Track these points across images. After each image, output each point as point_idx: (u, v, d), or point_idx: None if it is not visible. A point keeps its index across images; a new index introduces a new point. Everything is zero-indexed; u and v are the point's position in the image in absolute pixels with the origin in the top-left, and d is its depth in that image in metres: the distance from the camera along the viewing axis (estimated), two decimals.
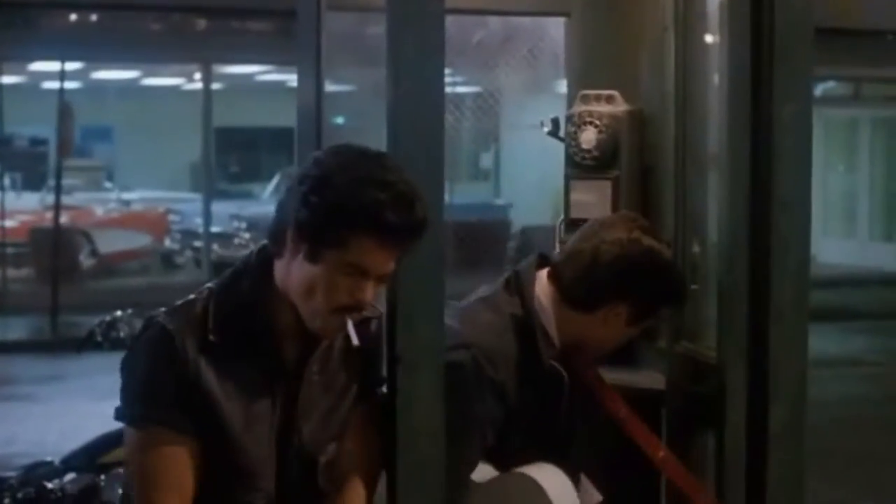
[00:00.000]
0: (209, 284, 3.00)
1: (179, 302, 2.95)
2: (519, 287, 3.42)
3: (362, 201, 2.75)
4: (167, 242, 21.78)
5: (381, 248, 2.79)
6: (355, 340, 2.93)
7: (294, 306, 2.88)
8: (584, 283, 3.37)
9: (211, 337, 2.86)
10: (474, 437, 3.24)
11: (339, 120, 3.99)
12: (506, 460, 3.37)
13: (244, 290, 2.92)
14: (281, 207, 2.88)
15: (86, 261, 19.82)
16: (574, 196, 4.12)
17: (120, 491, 3.08)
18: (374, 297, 2.89)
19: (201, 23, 17.78)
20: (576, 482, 3.46)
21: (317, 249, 2.80)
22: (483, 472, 3.36)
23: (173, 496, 2.83)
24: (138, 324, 3.17)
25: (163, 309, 2.93)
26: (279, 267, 2.89)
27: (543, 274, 3.44)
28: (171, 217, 22.03)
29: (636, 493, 3.77)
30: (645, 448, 3.44)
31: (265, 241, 2.95)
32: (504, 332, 3.35)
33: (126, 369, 2.91)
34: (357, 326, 2.97)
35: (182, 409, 2.83)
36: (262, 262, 2.93)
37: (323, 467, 2.99)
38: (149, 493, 2.84)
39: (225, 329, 2.88)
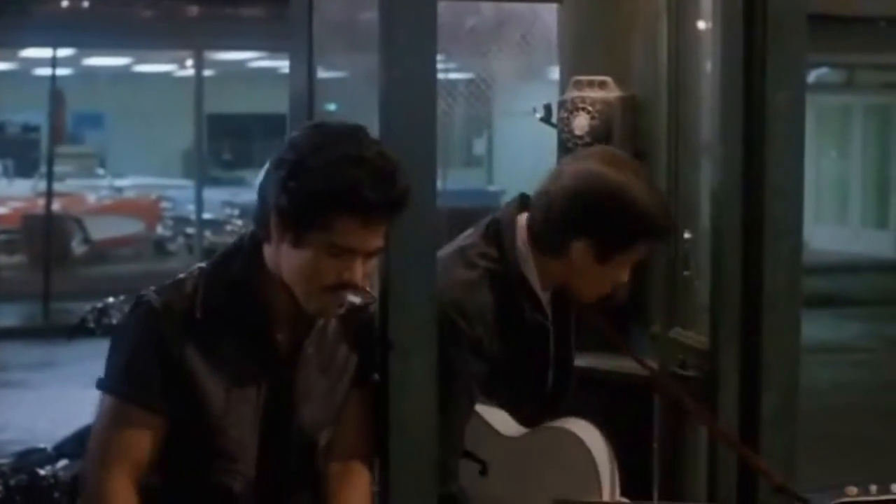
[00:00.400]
0: (201, 264, 3.01)
1: (171, 280, 2.96)
2: (497, 236, 3.32)
3: (340, 183, 2.74)
4: (159, 229, 21.78)
5: (365, 226, 2.78)
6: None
7: (287, 288, 2.87)
8: (546, 224, 3.27)
9: (197, 314, 2.87)
10: (461, 399, 3.20)
11: (332, 107, 3.98)
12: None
13: (235, 271, 2.93)
14: (262, 192, 2.87)
15: (78, 247, 19.83)
16: None
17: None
18: (367, 273, 2.87)
19: (193, 9, 17.74)
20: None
21: (300, 234, 2.79)
22: (501, 419, 3.36)
23: (123, 473, 2.83)
24: None
25: (153, 287, 2.95)
26: (269, 251, 2.89)
27: (524, 219, 3.34)
28: (164, 204, 22.03)
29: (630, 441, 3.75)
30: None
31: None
32: (478, 287, 3.25)
33: (113, 343, 2.94)
34: (354, 313, 2.98)
35: (161, 387, 2.84)
36: (254, 245, 2.93)
37: (322, 449, 2.98)
38: (103, 458, 2.85)
39: (213, 308, 2.88)
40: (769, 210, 3.23)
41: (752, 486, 3.27)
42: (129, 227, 20.77)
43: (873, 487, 3.00)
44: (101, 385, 2.91)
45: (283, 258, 2.85)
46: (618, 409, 3.43)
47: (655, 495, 3.88)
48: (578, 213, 3.22)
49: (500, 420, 3.37)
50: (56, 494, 3.10)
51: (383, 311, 2.96)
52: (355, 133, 2.83)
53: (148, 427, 2.85)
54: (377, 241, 2.83)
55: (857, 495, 3.01)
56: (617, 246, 3.25)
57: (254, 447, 2.91)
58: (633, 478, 3.78)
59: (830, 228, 22.94)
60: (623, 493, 3.71)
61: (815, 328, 13.25)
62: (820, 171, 23.30)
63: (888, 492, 2.99)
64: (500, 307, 3.26)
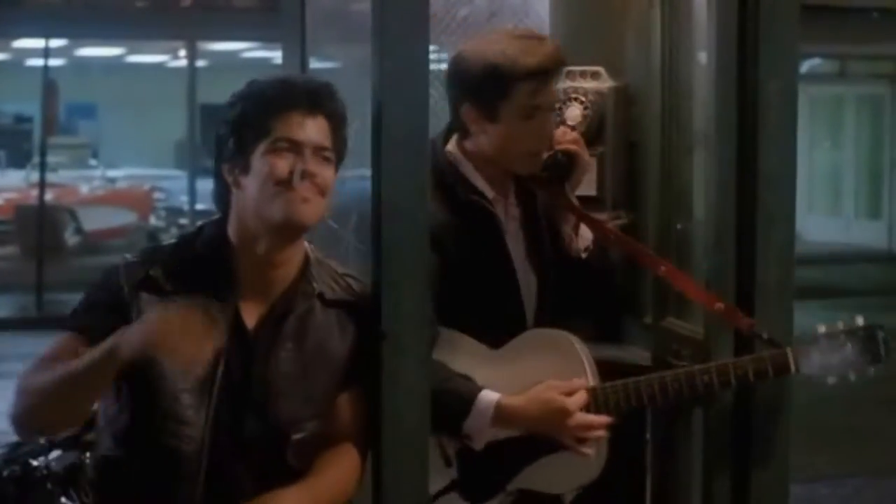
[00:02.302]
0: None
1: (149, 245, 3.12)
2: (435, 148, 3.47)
3: (270, 86, 2.95)
4: (152, 220, 21.74)
5: (298, 114, 2.92)
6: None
7: (254, 264, 2.94)
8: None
9: (153, 271, 2.94)
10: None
11: None
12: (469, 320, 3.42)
13: (200, 241, 3.01)
14: (216, 165, 3.00)
15: (71, 238, 19.80)
16: None
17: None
18: (325, 178, 2.93)
19: None
20: None
21: (248, 154, 2.91)
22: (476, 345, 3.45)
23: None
24: None
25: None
26: (231, 220, 2.98)
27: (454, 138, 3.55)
28: (156, 194, 22.00)
29: None
30: (645, 263, 3.52)
31: None
32: None
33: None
34: (347, 307, 3.00)
35: (105, 319, 2.89)
36: (218, 222, 3.02)
37: (295, 443, 2.97)
38: (38, 361, 2.92)
39: (177, 274, 2.94)
40: (762, 200, 3.23)
41: (746, 475, 3.28)
42: (122, 217, 20.74)
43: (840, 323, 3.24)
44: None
45: (241, 202, 2.94)
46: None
47: (649, 486, 3.89)
48: (450, 82, 3.47)
49: (476, 345, 3.45)
50: (49, 485, 3.09)
51: (376, 302, 2.96)
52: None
53: (73, 342, 2.92)
54: (319, 134, 2.94)
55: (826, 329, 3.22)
56: (491, 98, 3.39)
57: (205, 413, 2.90)
58: (626, 469, 3.79)
59: (823, 219, 22.96)
60: (617, 486, 3.73)
61: (809, 319, 13.26)
62: (813, 162, 23.32)
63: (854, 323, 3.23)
64: (442, 201, 3.39)
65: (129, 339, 2.74)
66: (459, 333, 3.41)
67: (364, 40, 3.03)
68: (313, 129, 2.93)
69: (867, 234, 22.61)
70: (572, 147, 3.59)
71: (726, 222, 3.30)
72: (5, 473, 4.06)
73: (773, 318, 3.25)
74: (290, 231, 2.94)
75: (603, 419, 3.35)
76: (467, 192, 3.46)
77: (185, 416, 2.89)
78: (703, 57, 3.55)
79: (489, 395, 3.33)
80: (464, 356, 3.39)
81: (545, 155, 3.53)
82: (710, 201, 3.39)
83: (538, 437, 3.38)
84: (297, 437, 2.97)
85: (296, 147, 2.90)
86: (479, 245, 3.45)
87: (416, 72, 2.95)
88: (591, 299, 3.76)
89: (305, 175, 2.89)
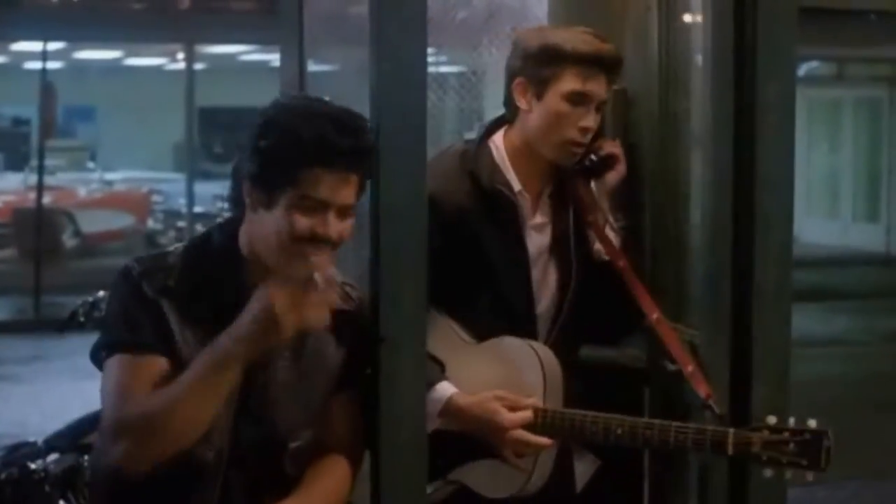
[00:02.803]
0: (183, 243, 3.04)
1: (153, 252, 3.05)
2: (479, 135, 3.64)
3: (306, 134, 2.81)
4: (150, 223, 21.72)
5: (334, 176, 2.83)
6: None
7: (261, 269, 2.90)
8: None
9: (170, 282, 2.90)
10: None
11: (326, 100, 3.98)
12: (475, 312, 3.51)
13: (212, 252, 2.97)
14: (235, 170, 2.94)
15: (69, 241, 19.79)
16: None
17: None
18: (342, 235, 2.89)
19: (184, 2, 17.71)
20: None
21: (272, 193, 2.84)
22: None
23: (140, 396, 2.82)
24: None
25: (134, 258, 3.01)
26: (243, 232, 2.95)
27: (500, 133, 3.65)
28: (154, 197, 21.98)
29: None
30: (641, 301, 3.50)
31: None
32: (438, 158, 3.56)
33: (102, 317, 3.05)
34: (342, 316, 2.98)
35: (147, 329, 2.86)
36: (229, 229, 2.98)
37: (293, 452, 2.97)
38: (118, 400, 2.83)
39: (191, 285, 2.91)
40: (760, 203, 3.23)
41: (743, 478, 3.27)
42: (120, 220, 20.72)
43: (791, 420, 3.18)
44: (100, 350, 2.92)
45: (257, 227, 2.90)
46: (607, 400, 3.43)
47: (647, 489, 3.89)
48: (508, 61, 3.60)
49: (461, 333, 3.52)
50: (47, 488, 3.09)
51: (374, 306, 2.96)
52: (324, 99, 2.95)
53: (158, 363, 2.85)
54: (348, 195, 2.87)
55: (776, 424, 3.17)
56: (543, 74, 3.50)
57: (227, 421, 2.88)
58: (624, 471, 3.79)
59: (821, 222, 22.94)
60: (614, 487, 3.73)
61: (806, 322, 13.27)
62: (811, 165, 23.30)
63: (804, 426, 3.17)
64: (469, 183, 3.52)
65: (247, 329, 2.75)
66: (448, 319, 3.48)
67: (362, 43, 3.03)
68: (344, 191, 2.86)
69: (865, 237, 22.59)
70: (615, 150, 3.62)
71: (724, 225, 3.30)
72: (3, 476, 4.06)
73: (771, 321, 3.25)
74: (298, 278, 2.92)
75: (541, 441, 3.41)
76: (494, 180, 3.53)
77: (212, 426, 2.86)
78: (700, 60, 3.55)
79: (445, 388, 3.41)
80: (444, 341, 3.45)
81: (593, 156, 3.58)
82: (707, 204, 3.39)
83: (482, 439, 3.44)
84: (294, 445, 2.97)
85: (322, 206, 2.84)
86: (495, 232, 3.52)
87: (413, 75, 2.95)
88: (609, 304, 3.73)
89: (324, 240, 2.85)
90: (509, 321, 3.53)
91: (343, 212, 2.87)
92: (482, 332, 3.52)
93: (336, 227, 2.86)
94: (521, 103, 3.55)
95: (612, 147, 3.68)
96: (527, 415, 3.40)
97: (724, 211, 3.30)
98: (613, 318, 3.71)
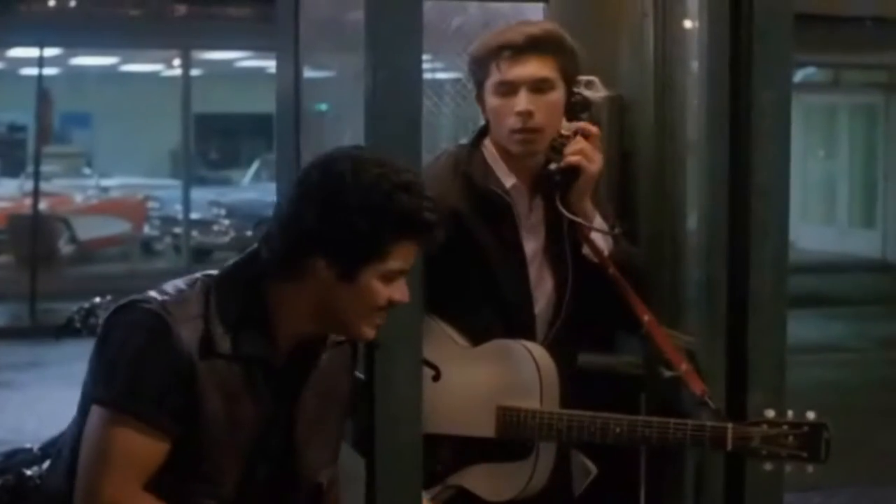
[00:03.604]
0: (199, 276, 2.86)
1: (169, 290, 2.80)
2: (471, 138, 3.67)
3: (398, 210, 2.70)
4: (146, 229, 21.75)
5: (419, 248, 2.81)
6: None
7: (293, 320, 2.79)
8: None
9: (211, 331, 2.73)
10: None
11: (323, 107, 3.98)
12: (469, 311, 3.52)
13: (241, 304, 2.80)
14: (290, 230, 2.74)
15: (64, 247, 19.80)
16: None
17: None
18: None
19: (181, 8, 17.71)
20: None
21: (356, 268, 2.72)
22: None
23: (130, 482, 2.70)
24: None
25: (149, 293, 2.78)
26: (281, 286, 2.78)
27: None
28: (151, 204, 21.99)
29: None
30: (631, 307, 3.49)
31: (255, 248, 2.84)
32: (433, 162, 3.59)
33: (109, 350, 2.75)
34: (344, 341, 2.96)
35: (167, 404, 2.69)
36: (254, 277, 2.82)
37: (326, 487, 2.94)
38: (108, 470, 2.69)
39: (225, 330, 2.75)
40: (755, 209, 3.24)
41: (739, 485, 3.28)
42: (116, 227, 20.74)
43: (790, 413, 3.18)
44: (100, 397, 2.73)
45: (319, 294, 2.75)
46: (603, 406, 3.43)
47: (643, 494, 3.89)
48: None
49: (454, 338, 3.53)
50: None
51: None
52: (384, 157, 2.78)
53: (154, 442, 2.70)
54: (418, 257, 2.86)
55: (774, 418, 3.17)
56: (479, 80, 3.58)
57: (238, 472, 2.81)
58: (620, 477, 3.79)
59: (817, 228, 22.97)
60: (610, 493, 3.73)
61: (802, 328, 13.27)
62: (806, 171, 23.34)
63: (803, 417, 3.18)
64: (463, 184, 3.55)
65: None
66: (442, 323, 3.48)
67: (358, 49, 3.03)
68: (418, 255, 2.85)
69: (861, 243, 22.61)
70: (572, 160, 3.58)
71: (719, 232, 3.31)
72: None
73: (766, 328, 3.25)
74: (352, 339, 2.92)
75: None
76: (488, 181, 3.55)
77: (219, 476, 2.79)
78: (696, 66, 3.55)
79: None
80: (439, 346, 3.45)
81: (552, 166, 3.56)
82: (703, 211, 3.39)
83: (482, 442, 3.46)
84: (324, 481, 2.94)
85: (401, 275, 2.79)
86: (491, 233, 3.53)
87: (409, 81, 2.96)
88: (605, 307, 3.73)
89: (397, 304, 2.81)
90: (508, 322, 3.53)
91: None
92: (481, 334, 3.52)
93: (403, 288, 2.82)
94: (481, 109, 3.64)
95: (573, 153, 3.58)
96: None
97: (720, 217, 3.30)
98: (610, 321, 3.71)
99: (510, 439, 3.46)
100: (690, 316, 3.53)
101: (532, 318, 3.58)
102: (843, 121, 24.38)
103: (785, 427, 3.16)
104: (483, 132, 3.65)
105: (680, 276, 3.73)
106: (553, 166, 3.56)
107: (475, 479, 3.50)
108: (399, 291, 2.78)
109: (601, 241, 3.60)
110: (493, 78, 3.53)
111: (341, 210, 2.69)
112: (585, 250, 3.59)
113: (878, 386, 12.15)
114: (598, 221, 3.60)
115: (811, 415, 3.18)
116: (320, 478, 2.93)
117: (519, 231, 3.57)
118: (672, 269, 3.78)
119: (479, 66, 3.57)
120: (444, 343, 3.48)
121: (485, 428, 3.46)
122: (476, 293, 3.53)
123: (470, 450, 3.48)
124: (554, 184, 3.56)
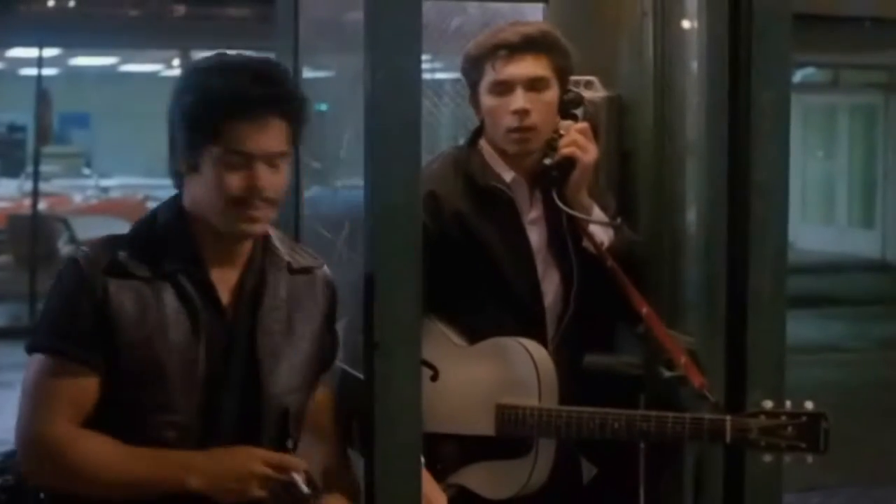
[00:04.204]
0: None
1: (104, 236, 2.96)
2: (468, 138, 3.73)
3: (221, 86, 2.78)
4: None
5: (251, 124, 2.79)
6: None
7: (216, 238, 2.88)
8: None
9: (120, 254, 2.83)
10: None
11: (323, 107, 3.98)
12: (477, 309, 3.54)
13: (160, 220, 2.93)
14: (170, 141, 2.89)
15: (64, 248, 19.76)
16: None
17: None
18: (276, 187, 2.86)
19: (180, 9, 17.70)
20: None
21: (198, 154, 2.81)
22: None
23: (64, 419, 2.79)
24: None
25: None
26: (186, 196, 2.90)
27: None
28: (150, 204, 21.92)
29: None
30: (630, 300, 3.50)
31: None
32: (432, 161, 3.65)
33: (44, 304, 2.91)
34: (306, 275, 3.03)
35: (94, 339, 2.78)
36: (175, 198, 2.94)
37: (294, 416, 2.98)
38: (39, 410, 2.81)
39: (141, 258, 2.85)
40: (755, 210, 3.23)
41: (739, 484, 3.28)
42: (116, 227, 20.53)
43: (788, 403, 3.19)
44: (32, 346, 2.86)
45: (194, 189, 2.86)
46: (603, 406, 3.43)
47: (642, 493, 3.89)
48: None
49: (451, 337, 3.55)
50: (41, 495, 3.09)
51: (368, 312, 2.96)
52: (238, 53, 2.90)
53: (86, 378, 2.79)
54: (272, 143, 2.83)
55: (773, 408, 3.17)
56: (473, 81, 3.63)
57: (191, 397, 2.83)
58: (620, 476, 3.80)
59: (816, 228, 22.97)
60: (610, 493, 3.74)
61: (802, 328, 13.28)
62: (806, 171, 23.34)
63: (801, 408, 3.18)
64: (464, 181, 3.58)
65: (219, 482, 2.77)
66: (438, 323, 3.50)
67: (357, 50, 3.03)
68: (267, 140, 2.82)
69: (860, 243, 22.62)
70: (566, 151, 3.60)
71: (718, 231, 3.31)
72: None
73: (766, 328, 3.25)
74: (240, 239, 2.92)
75: None
76: (488, 177, 3.58)
77: (170, 403, 2.82)
78: (695, 66, 3.55)
79: None
80: (436, 346, 3.46)
81: (548, 160, 3.57)
82: (702, 211, 3.40)
83: (481, 440, 3.47)
84: (292, 409, 2.97)
85: (247, 159, 2.80)
86: (496, 229, 3.55)
87: (408, 81, 2.95)
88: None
89: (256, 195, 2.82)
90: (518, 318, 3.54)
91: (272, 163, 2.83)
92: (490, 332, 3.53)
93: (267, 179, 2.82)
94: (475, 110, 3.67)
95: (566, 146, 3.62)
96: None
97: (719, 217, 3.30)
98: (612, 313, 3.72)
99: (510, 437, 3.46)
100: (690, 315, 3.53)
101: (542, 311, 3.59)
102: (842, 121, 24.39)
103: (783, 418, 3.16)
104: (478, 133, 3.66)
105: (679, 276, 3.73)
106: (548, 160, 3.58)
107: (475, 477, 3.51)
108: (252, 178, 2.79)
109: (601, 233, 3.61)
110: (489, 77, 3.56)
111: (177, 96, 2.83)
112: (585, 243, 3.60)
113: (877, 386, 12.16)
114: (597, 213, 3.62)
115: (809, 405, 3.18)
116: (286, 403, 2.95)
117: (523, 223, 3.60)
118: (671, 269, 3.78)
119: (474, 66, 3.60)
120: (440, 342, 3.49)
121: (484, 426, 3.47)
122: (484, 292, 3.54)
123: (470, 448, 3.48)
124: (551, 179, 3.58)
